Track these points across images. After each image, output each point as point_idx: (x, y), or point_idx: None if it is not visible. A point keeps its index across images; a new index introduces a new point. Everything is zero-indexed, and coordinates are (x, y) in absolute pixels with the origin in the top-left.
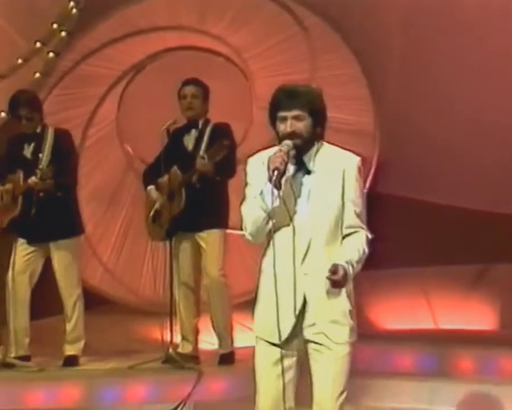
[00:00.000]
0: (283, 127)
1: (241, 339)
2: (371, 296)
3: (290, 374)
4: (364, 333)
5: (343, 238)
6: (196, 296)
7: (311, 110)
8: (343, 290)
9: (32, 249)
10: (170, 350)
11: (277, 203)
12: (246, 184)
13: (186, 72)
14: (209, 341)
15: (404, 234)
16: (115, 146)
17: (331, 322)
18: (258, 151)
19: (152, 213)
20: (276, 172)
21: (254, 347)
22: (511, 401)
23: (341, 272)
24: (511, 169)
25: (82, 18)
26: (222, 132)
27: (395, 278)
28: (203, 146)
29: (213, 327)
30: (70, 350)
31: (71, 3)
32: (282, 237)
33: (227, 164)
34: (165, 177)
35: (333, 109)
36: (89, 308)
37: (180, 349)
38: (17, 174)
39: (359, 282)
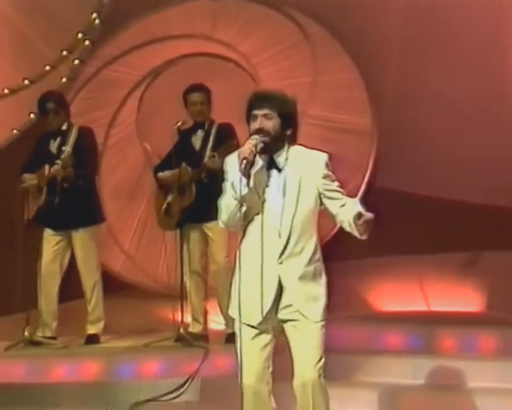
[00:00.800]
0: (254, 124)
1: None
2: (371, 281)
3: (268, 350)
4: (362, 314)
5: (341, 207)
6: (204, 281)
7: (280, 112)
8: (316, 274)
9: (58, 239)
10: (181, 330)
11: (246, 190)
12: (224, 180)
13: (199, 77)
14: (217, 322)
15: (401, 225)
16: (135, 144)
17: (306, 303)
18: None
19: (164, 206)
20: (245, 161)
21: None
22: (489, 375)
23: (367, 214)
24: (500, 165)
25: (104, 28)
26: (226, 132)
27: (392, 264)
28: (209, 145)
29: (220, 309)
30: (91, 329)
31: (94, 14)
32: (258, 227)
33: None
34: (175, 172)
35: (334, 110)
36: (111, 292)
37: (190, 329)
38: (43, 168)
39: (360, 268)
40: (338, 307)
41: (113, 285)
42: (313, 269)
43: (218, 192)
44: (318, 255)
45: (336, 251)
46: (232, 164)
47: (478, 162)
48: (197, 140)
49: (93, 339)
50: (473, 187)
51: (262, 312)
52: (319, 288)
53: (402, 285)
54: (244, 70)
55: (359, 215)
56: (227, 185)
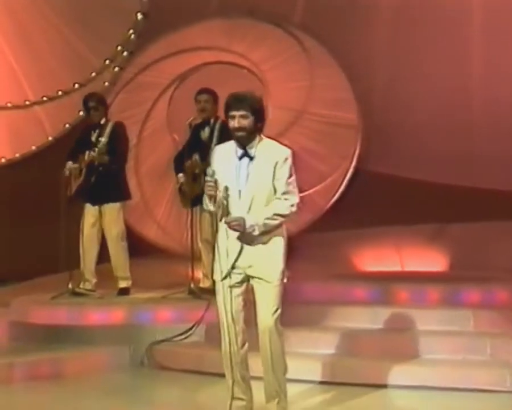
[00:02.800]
0: (232, 123)
1: None
2: (357, 247)
3: (240, 299)
4: (345, 273)
5: (275, 199)
6: (212, 246)
7: (253, 111)
8: (275, 241)
9: (95, 211)
10: (192, 285)
11: (214, 208)
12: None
13: (218, 81)
14: None
15: (383, 201)
16: (166, 135)
17: (266, 265)
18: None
19: (178, 185)
20: (212, 199)
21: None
22: (435, 321)
23: (235, 222)
24: (463, 154)
25: (138, 41)
26: (227, 128)
27: (374, 234)
28: (214, 139)
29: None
30: (122, 284)
31: (131, 31)
32: (230, 203)
33: None
34: (189, 162)
35: (327, 108)
36: (146, 254)
37: (201, 284)
38: (84, 154)
39: (348, 238)
40: (327, 267)
41: (148, 249)
42: (272, 237)
43: None
44: (281, 228)
45: (329, 224)
46: (218, 153)
47: (446, 151)
48: (204, 135)
49: (123, 292)
50: (442, 171)
51: (228, 269)
52: (277, 253)
53: (382, 250)
54: (255, 75)
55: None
56: (209, 172)
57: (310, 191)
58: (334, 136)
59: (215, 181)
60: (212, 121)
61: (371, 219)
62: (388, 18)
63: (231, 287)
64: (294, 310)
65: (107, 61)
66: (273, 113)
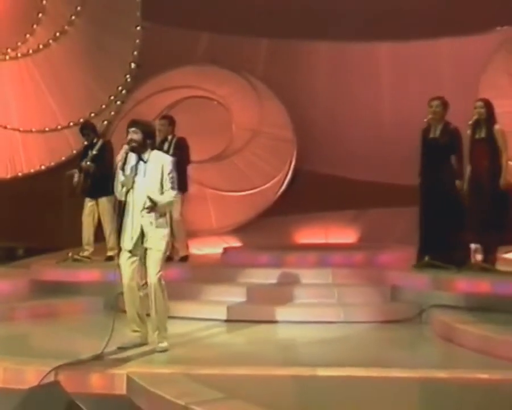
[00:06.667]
0: (128, 136)
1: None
2: (296, 227)
3: (135, 264)
4: (278, 245)
5: (162, 193)
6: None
7: (142, 130)
8: (162, 222)
9: (92, 202)
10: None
11: (123, 178)
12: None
13: (195, 110)
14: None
15: (314, 192)
16: None
17: (155, 239)
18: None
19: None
20: (120, 162)
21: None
22: (308, 277)
23: (149, 204)
24: (381, 159)
25: (133, 82)
26: (180, 142)
27: (309, 217)
28: (171, 150)
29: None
30: (109, 253)
31: (128, 75)
32: (132, 196)
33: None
34: None
35: (272, 128)
36: None
37: (181, 254)
38: (81, 163)
39: (290, 221)
40: (272, 241)
41: None
42: (161, 219)
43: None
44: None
45: (276, 211)
46: (130, 158)
47: (363, 157)
48: (164, 147)
49: (109, 259)
50: (364, 170)
51: (132, 242)
52: (164, 231)
53: (314, 230)
54: (222, 105)
55: (150, 200)
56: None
57: (263, 187)
58: (277, 148)
59: (126, 152)
60: (170, 137)
61: (307, 207)
62: (326, 62)
63: (131, 253)
64: (220, 269)
65: (112, 97)
66: (237, 132)
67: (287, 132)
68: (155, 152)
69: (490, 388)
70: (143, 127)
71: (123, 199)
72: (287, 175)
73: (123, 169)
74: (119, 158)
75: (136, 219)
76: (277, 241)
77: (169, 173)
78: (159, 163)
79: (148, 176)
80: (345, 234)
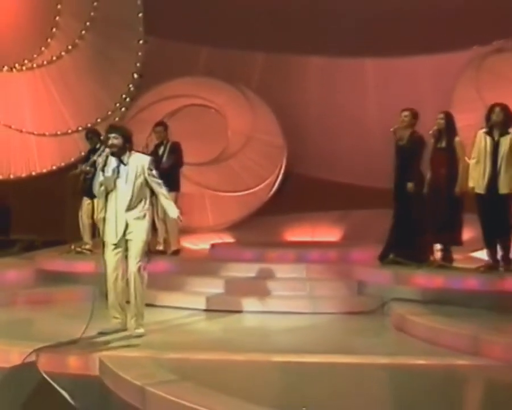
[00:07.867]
0: (109, 142)
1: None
2: (285, 226)
3: (119, 256)
4: (262, 242)
5: (142, 191)
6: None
7: (122, 135)
8: (145, 217)
9: (89, 201)
10: (161, 247)
11: (102, 178)
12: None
13: (193, 118)
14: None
15: (305, 195)
16: None
17: (137, 231)
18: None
19: None
20: (100, 164)
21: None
22: (285, 272)
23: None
24: (364, 164)
25: (137, 91)
26: (174, 147)
27: (298, 217)
28: (166, 154)
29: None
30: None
31: (131, 85)
32: (115, 196)
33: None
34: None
35: (264, 135)
36: None
37: (173, 248)
38: (83, 165)
39: (280, 220)
40: (261, 238)
41: None
42: (143, 215)
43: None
44: (147, 207)
45: (268, 210)
46: (110, 160)
47: (354, 162)
48: (160, 151)
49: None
50: (348, 174)
51: (116, 236)
52: (145, 224)
53: (302, 229)
54: (218, 113)
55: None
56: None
57: (256, 188)
58: (269, 153)
59: (107, 155)
60: (165, 142)
61: (296, 207)
62: (316, 75)
63: (116, 245)
64: (206, 263)
65: (117, 105)
66: (232, 138)
67: (277, 139)
68: (134, 154)
69: (427, 373)
70: (122, 132)
71: (101, 198)
72: (277, 178)
73: (103, 170)
74: (100, 160)
75: (120, 217)
76: (267, 238)
77: (150, 170)
78: (139, 163)
79: (129, 177)
80: (331, 233)
